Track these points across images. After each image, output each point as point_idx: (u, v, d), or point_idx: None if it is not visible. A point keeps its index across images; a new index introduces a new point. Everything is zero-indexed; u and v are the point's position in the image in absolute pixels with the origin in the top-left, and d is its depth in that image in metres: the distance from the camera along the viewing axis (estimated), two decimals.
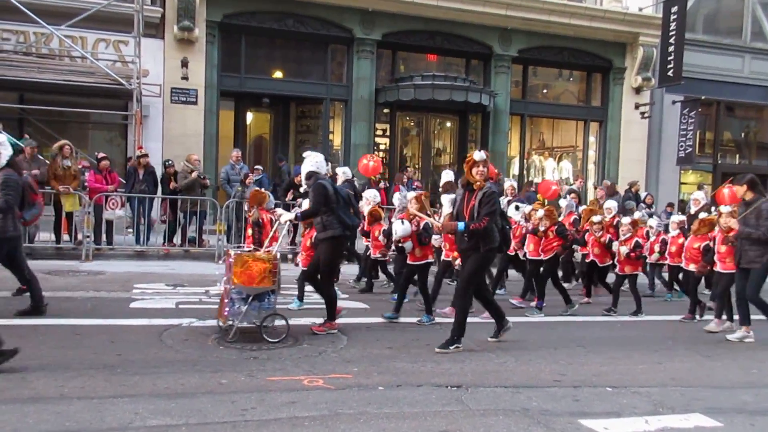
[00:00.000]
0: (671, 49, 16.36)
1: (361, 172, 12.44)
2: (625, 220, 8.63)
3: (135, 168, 11.23)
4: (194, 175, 11.25)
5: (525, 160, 18.00)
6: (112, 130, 14.56)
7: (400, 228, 6.95)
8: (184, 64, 13.80)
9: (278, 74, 15.79)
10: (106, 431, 3.60)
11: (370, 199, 8.68)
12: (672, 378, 5.30)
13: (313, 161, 6.29)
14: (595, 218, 8.67)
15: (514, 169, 17.75)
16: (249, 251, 6.41)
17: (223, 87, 14.83)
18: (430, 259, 7.31)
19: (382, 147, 16.63)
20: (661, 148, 18.11)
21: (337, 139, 16.31)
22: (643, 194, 14.14)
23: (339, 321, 6.58)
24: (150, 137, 13.47)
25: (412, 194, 7.53)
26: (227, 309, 5.74)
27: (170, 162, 11.56)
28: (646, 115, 17.55)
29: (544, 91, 18.76)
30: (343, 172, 9.90)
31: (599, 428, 3.99)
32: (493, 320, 6.34)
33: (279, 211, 6.91)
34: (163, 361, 5.03)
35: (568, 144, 18.80)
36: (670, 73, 16.47)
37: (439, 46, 16.43)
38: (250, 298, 5.70)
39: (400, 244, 7.15)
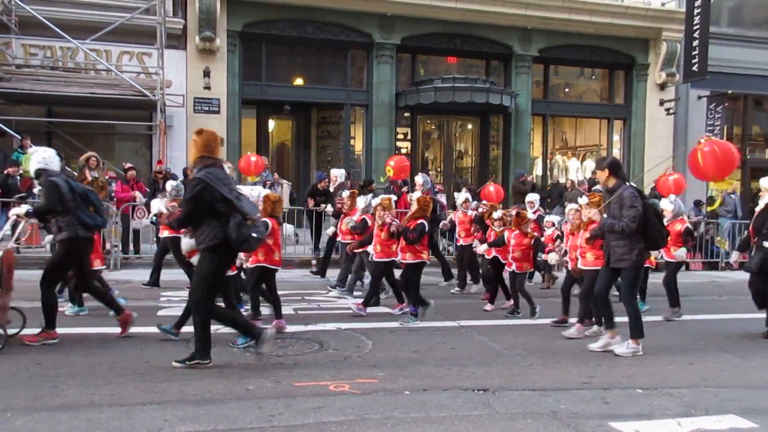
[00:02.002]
0: (695, 43, 16.08)
1: (242, 173, 11.94)
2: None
3: (155, 179, 11.39)
4: None
5: (548, 161, 17.84)
6: (138, 140, 14.80)
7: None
8: (206, 73, 13.97)
9: (299, 81, 15.90)
10: None
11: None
12: (704, 378, 5.19)
13: (40, 157, 5.75)
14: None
15: (538, 170, 17.61)
16: None
17: (244, 95, 14.97)
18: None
19: (403, 151, 16.61)
20: (687, 145, 17.78)
21: (358, 144, 16.35)
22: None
23: (362, 326, 6.58)
24: (174, 147, 13.66)
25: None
26: None
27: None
28: (671, 111, 17.29)
29: (566, 90, 18.60)
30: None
31: (630, 431, 3.93)
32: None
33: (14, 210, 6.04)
34: (190, 368, 5.05)
35: (592, 143, 18.60)
36: (695, 68, 16.19)
37: (459, 48, 16.39)
38: None
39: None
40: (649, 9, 16.69)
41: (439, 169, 17.17)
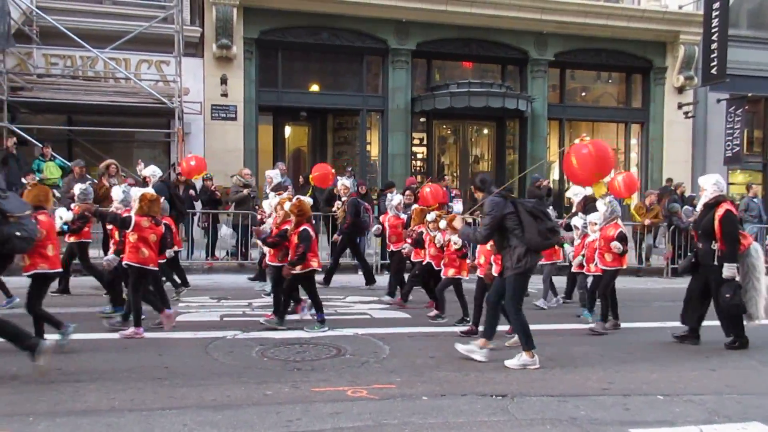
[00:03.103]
0: (714, 46, 15.93)
1: (184, 175, 11.43)
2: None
3: (175, 185, 11.47)
4: (246, 191, 11.45)
5: None
6: (156, 147, 14.95)
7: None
8: (224, 81, 14.10)
9: (315, 87, 15.98)
10: None
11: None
12: (727, 385, 5.12)
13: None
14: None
15: (554, 174, 17.51)
16: None
17: (261, 102, 15.07)
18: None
19: (419, 156, 16.63)
20: (706, 148, 17.62)
21: (374, 150, 16.39)
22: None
23: (379, 331, 6.59)
24: (192, 154, 13.75)
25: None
26: None
27: (209, 175, 11.73)
28: (689, 114, 17.12)
29: (583, 94, 18.49)
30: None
31: None
32: None
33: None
34: (209, 373, 5.10)
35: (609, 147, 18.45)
36: (713, 71, 16.04)
37: (474, 53, 16.37)
38: None
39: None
40: (666, 12, 16.57)
41: (455, 174, 17.14)
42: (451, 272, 7.28)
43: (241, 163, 14.05)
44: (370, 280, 10.13)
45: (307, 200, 7.19)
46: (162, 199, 8.47)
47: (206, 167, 11.19)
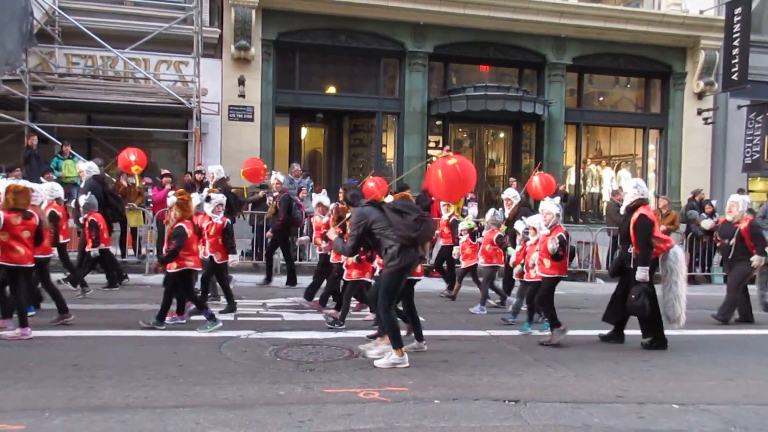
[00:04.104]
0: (735, 51, 15.70)
1: (121, 167, 11.27)
2: None
3: (192, 183, 11.55)
4: (262, 193, 11.48)
5: (581, 170, 17.62)
6: (174, 147, 15.08)
7: None
8: (241, 82, 14.19)
9: (331, 89, 16.02)
10: None
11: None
12: (744, 395, 5.04)
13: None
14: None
15: (571, 179, 17.39)
16: None
17: (278, 103, 15.14)
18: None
19: (435, 159, 16.58)
20: (726, 155, 17.40)
21: (390, 152, 16.39)
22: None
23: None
24: (209, 154, 13.88)
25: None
26: None
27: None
28: (709, 120, 16.92)
29: (601, 98, 18.36)
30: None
31: None
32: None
33: None
34: (222, 372, 5.13)
35: (627, 152, 18.29)
36: (734, 77, 15.81)
37: (492, 56, 16.32)
38: None
39: None
40: (686, 17, 16.39)
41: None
42: (354, 274, 7.00)
43: None
44: (292, 280, 9.92)
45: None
46: (89, 194, 8.57)
47: (145, 164, 11.16)
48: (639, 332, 6.95)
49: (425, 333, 6.68)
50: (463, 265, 8.87)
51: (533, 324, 7.17)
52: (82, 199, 8.59)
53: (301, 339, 6.35)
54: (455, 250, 8.98)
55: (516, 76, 16.91)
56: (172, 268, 6.59)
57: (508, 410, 4.42)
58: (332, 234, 6.07)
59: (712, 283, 12.53)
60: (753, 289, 9.02)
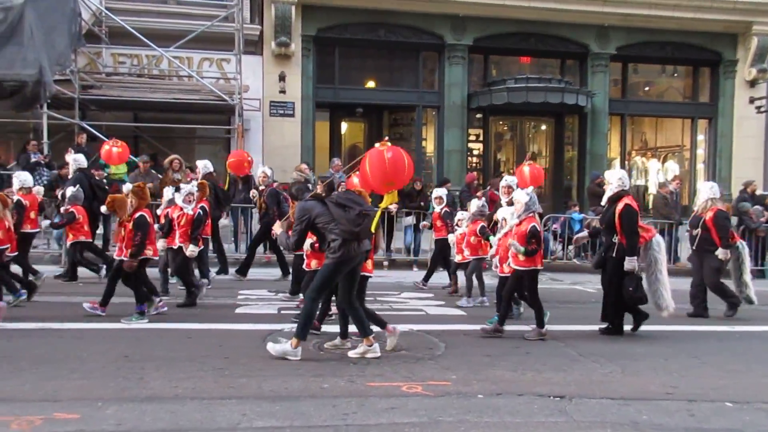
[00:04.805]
0: None
1: (104, 160, 11.40)
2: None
3: (235, 179, 11.71)
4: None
5: (626, 162, 17.22)
6: (216, 143, 15.35)
7: None
8: (282, 78, 14.35)
9: (371, 84, 16.04)
10: (216, 431, 3.76)
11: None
12: None
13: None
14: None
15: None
16: None
17: (318, 98, 15.25)
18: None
19: (475, 152, 16.48)
20: None
21: (430, 146, 16.33)
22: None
23: (434, 328, 6.56)
24: (251, 149, 14.01)
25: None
26: None
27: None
28: (762, 109, 16.31)
29: (646, 88, 17.90)
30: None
31: None
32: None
33: None
34: (266, 364, 5.19)
35: (674, 143, 17.82)
36: None
37: (533, 47, 16.09)
38: None
39: None
40: (738, 2, 15.81)
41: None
42: (314, 264, 6.61)
43: (298, 158, 14.23)
44: (286, 272, 9.77)
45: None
46: (77, 188, 8.69)
47: (126, 158, 11.29)
48: (678, 328, 6.86)
49: (467, 327, 6.64)
50: (458, 259, 8.60)
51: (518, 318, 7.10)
52: (69, 191, 8.70)
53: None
54: (450, 237, 8.78)
55: (558, 67, 16.64)
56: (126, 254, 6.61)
57: (554, 406, 4.36)
58: (277, 228, 6.07)
59: (766, 278, 12.09)
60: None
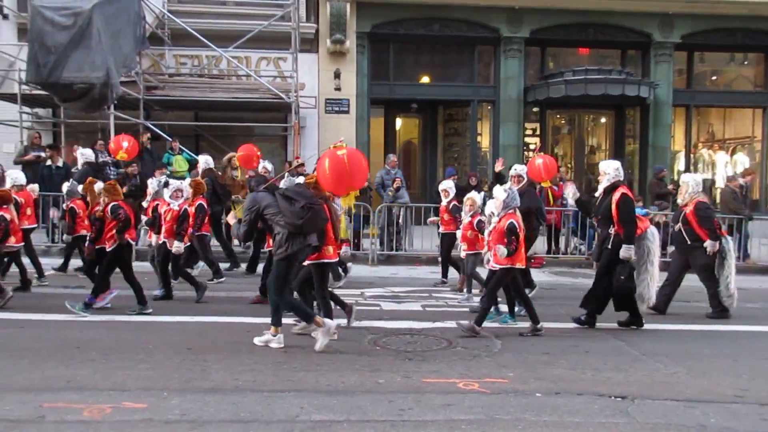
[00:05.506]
0: None
1: (113, 155, 11.45)
2: None
3: (293, 175, 11.89)
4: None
5: (692, 155, 16.57)
6: (274, 141, 15.62)
7: None
8: (337, 75, 14.48)
9: (425, 79, 15.99)
10: (275, 423, 3.84)
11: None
12: None
13: None
14: None
15: (680, 165, 16.41)
16: None
17: (373, 95, 15.31)
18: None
19: (532, 147, 16.18)
20: None
21: (485, 141, 16.16)
22: None
23: (491, 325, 6.51)
24: (307, 146, 14.28)
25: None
26: None
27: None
28: None
29: (713, 78, 17.14)
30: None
31: None
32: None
33: None
34: (324, 358, 5.27)
35: (743, 135, 17.01)
36: None
37: (592, 38, 15.68)
38: None
39: None
40: None
41: (569, 165, 16.52)
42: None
43: None
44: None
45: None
46: (71, 181, 8.77)
47: (136, 153, 11.35)
48: (746, 328, 6.59)
49: (523, 325, 6.54)
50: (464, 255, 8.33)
51: (516, 316, 6.84)
52: (65, 186, 8.70)
53: (399, 328, 6.40)
54: (458, 232, 8.52)
55: (618, 57, 16.16)
56: (110, 245, 6.73)
57: (615, 406, 4.25)
58: (231, 219, 6.18)
59: None
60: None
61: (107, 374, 4.71)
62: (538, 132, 16.18)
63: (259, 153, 10.98)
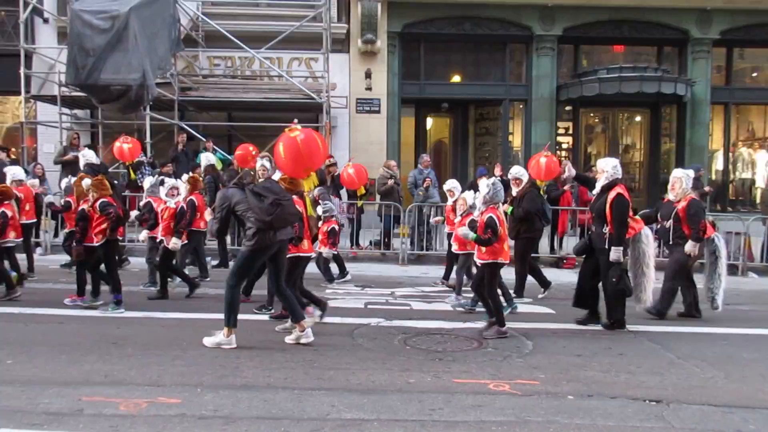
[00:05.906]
0: None
1: (116, 157, 11.55)
2: None
3: (325, 175, 11.96)
4: (391, 182, 11.69)
5: (730, 154, 16.16)
6: None
7: None
8: (368, 75, 14.51)
9: (456, 78, 15.92)
10: (306, 420, 3.88)
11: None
12: None
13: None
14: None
15: (718, 164, 16.02)
16: None
17: (403, 94, 15.30)
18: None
19: (564, 146, 16.00)
20: None
21: (516, 140, 16.01)
22: None
23: (522, 326, 6.45)
24: (338, 146, 14.35)
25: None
26: None
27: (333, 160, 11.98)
28: None
29: (754, 74, 16.68)
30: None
31: None
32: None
33: None
34: (354, 358, 5.30)
35: None
36: None
37: (626, 35, 15.41)
38: None
39: None
40: None
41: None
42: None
43: (384, 155, 14.36)
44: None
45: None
46: (68, 178, 8.87)
47: (138, 154, 11.41)
48: None
49: (555, 326, 6.47)
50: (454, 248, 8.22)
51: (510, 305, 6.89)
52: (63, 183, 8.91)
53: (430, 328, 6.39)
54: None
55: (654, 54, 15.83)
56: (99, 240, 6.79)
57: (649, 410, 4.18)
58: (208, 215, 6.23)
59: None
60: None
61: (143, 370, 4.81)
62: (570, 131, 15.97)
63: (254, 152, 11.10)
